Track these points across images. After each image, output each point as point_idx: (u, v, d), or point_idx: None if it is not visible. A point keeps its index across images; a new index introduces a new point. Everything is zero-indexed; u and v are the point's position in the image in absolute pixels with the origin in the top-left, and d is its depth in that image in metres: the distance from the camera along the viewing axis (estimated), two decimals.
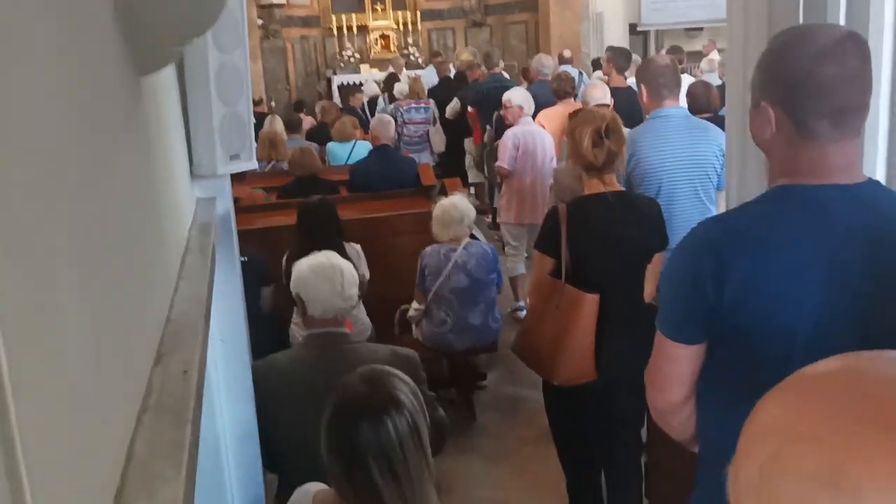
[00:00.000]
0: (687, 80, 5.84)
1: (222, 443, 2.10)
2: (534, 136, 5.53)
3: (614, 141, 2.64)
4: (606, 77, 6.38)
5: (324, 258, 2.42)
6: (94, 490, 0.62)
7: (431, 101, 8.67)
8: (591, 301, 2.56)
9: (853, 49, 1.46)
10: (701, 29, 13.75)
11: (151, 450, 0.72)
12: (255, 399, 2.21)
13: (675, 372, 1.64)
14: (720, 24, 13.55)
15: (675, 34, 13.51)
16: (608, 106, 4.32)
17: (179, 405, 0.82)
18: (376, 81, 11.18)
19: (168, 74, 1.68)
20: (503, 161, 5.49)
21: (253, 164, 1.99)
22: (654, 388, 1.69)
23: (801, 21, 1.91)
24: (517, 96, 5.65)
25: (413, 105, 8.37)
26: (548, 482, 3.57)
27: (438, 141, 8.38)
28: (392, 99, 9.59)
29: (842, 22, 1.85)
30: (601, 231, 2.64)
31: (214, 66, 1.82)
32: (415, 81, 8.96)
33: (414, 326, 4.20)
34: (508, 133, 5.57)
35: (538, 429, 4.13)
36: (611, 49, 6.91)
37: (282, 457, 2.32)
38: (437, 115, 8.53)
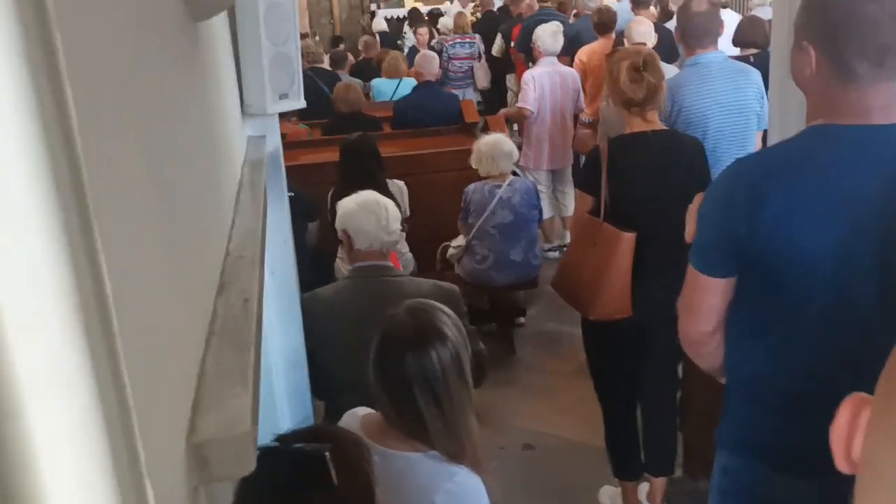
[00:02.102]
0: (733, 17, 5.69)
1: (273, 369, 2.22)
2: (553, 77, 5.31)
3: (652, 74, 2.62)
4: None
5: (369, 195, 2.50)
6: (175, 402, 0.71)
7: (477, 35, 8.57)
8: (627, 239, 2.59)
9: None
10: None
11: (219, 370, 0.80)
12: (304, 329, 2.32)
13: (704, 303, 1.71)
14: None
15: None
16: (651, 45, 4.24)
17: (242, 330, 0.90)
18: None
19: (220, 18, 1.74)
20: (526, 102, 5.31)
21: (301, 103, 2.05)
22: (685, 317, 1.77)
23: None
24: (541, 33, 5.38)
25: (458, 40, 8.29)
26: (583, 415, 3.66)
27: (482, 76, 8.31)
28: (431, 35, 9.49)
29: None
30: (641, 170, 2.65)
31: (263, 7, 1.87)
32: (458, 16, 8.87)
33: (456, 263, 4.28)
34: (526, 75, 5.41)
35: (575, 364, 4.22)
36: None
37: (329, 383, 2.44)
38: (482, 50, 8.44)
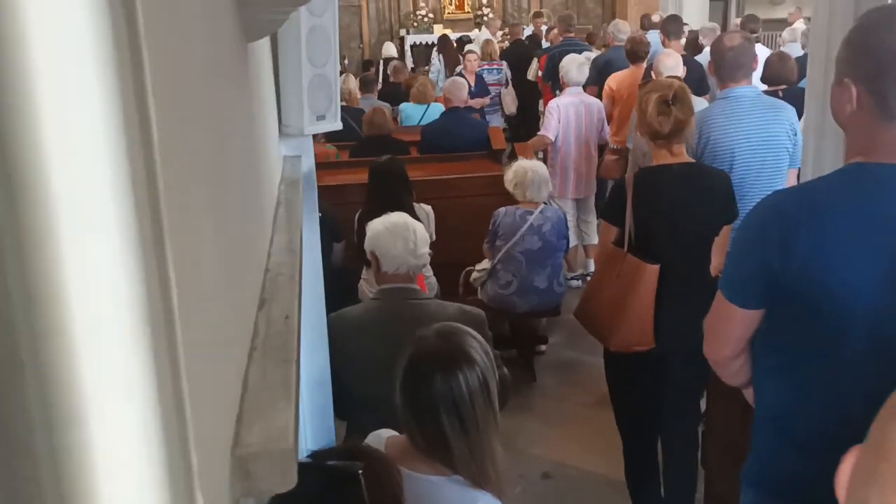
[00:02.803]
0: (763, 52, 5.69)
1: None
2: (579, 107, 5.41)
3: (681, 109, 2.63)
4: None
5: (398, 218, 2.51)
6: (222, 414, 0.72)
7: (504, 62, 8.65)
8: (651, 271, 2.59)
9: None
10: None
11: (263, 383, 0.82)
12: (329, 349, 2.34)
13: (728, 331, 1.72)
14: None
15: (758, 1, 13.08)
16: (680, 77, 4.25)
17: (284, 346, 0.91)
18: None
19: (264, 39, 1.77)
20: (547, 130, 5.43)
21: (338, 125, 2.08)
22: (710, 340, 1.80)
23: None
24: (567, 64, 5.51)
25: (486, 66, 8.37)
26: (602, 447, 3.64)
27: (510, 102, 8.38)
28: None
29: None
30: (666, 202, 2.65)
31: (305, 29, 1.90)
32: (486, 43, 8.96)
33: (479, 288, 4.28)
34: (552, 104, 5.53)
35: (595, 394, 4.20)
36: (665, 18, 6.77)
37: (352, 403, 2.45)
38: (508, 76, 8.52)
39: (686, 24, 7.22)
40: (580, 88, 5.50)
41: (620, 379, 2.89)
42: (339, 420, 2.61)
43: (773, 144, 3.27)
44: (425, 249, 2.50)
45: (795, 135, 3.27)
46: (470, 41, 11.27)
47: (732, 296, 1.68)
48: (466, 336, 1.71)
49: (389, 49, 11.22)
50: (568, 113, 5.39)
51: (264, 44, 1.81)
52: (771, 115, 3.28)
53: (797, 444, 1.68)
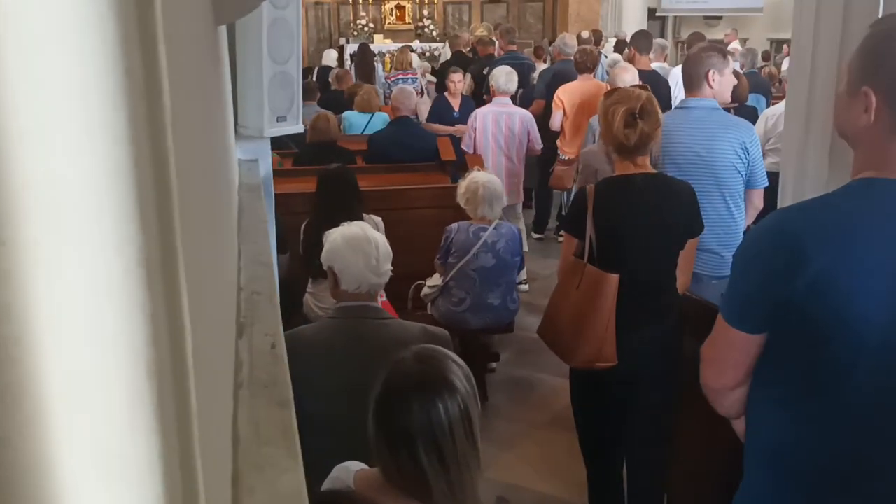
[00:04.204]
0: None
1: None
2: (500, 115, 5.50)
3: (648, 122, 2.55)
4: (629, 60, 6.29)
5: (359, 230, 2.33)
6: (211, 470, 0.55)
7: (417, 71, 8.60)
8: (611, 281, 2.49)
9: None
10: (720, 18, 13.61)
11: (258, 434, 0.65)
12: None
13: (731, 357, 1.62)
14: (739, 14, 13.42)
15: (694, 21, 13.38)
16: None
17: (276, 381, 0.75)
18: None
19: (221, 29, 1.60)
20: (463, 143, 5.59)
21: (299, 127, 1.91)
22: (708, 369, 1.69)
23: (880, 11, 1.83)
24: (496, 73, 5.64)
25: (400, 76, 8.28)
26: (559, 469, 3.53)
27: (425, 111, 8.30)
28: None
29: None
30: (628, 214, 2.56)
31: (267, 21, 1.73)
32: (401, 52, 8.89)
33: (430, 304, 4.14)
34: (474, 112, 5.66)
35: (549, 414, 4.09)
36: (636, 33, 6.82)
37: (303, 429, 2.26)
38: (423, 86, 8.47)
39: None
40: (508, 99, 5.59)
41: (585, 400, 2.78)
42: None
43: (714, 162, 3.19)
44: (388, 266, 2.34)
45: (747, 153, 3.22)
46: (415, 52, 11.17)
47: (734, 320, 1.57)
48: (448, 361, 1.56)
49: (330, 56, 10.95)
50: (487, 121, 5.47)
51: (221, 35, 1.64)
52: (718, 132, 3.23)
53: (797, 480, 1.58)
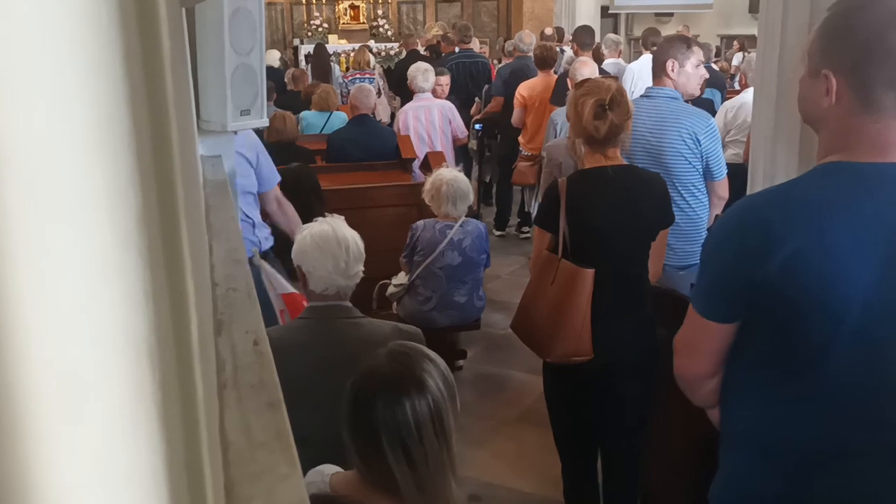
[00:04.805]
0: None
1: None
2: (419, 111, 5.71)
3: (618, 114, 2.52)
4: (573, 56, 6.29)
5: (329, 228, 2.26)
6: (201, 479, 0.50)
7: (375, 71, 8.55)
8: (586, 275, 2.47)
9: None
10: (671, 14, 13.79)
11: (249, 438, 0.60)
12: None
13: (704, 347, 1.61)
14: (690, 10, 13.61)
15: (646, 18, 13.52)
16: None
17: (262, 382, 0.69)
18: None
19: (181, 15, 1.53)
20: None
21: (264, 122, 1.85)
22: (682, 358, 1.67)
23: None
24: (413, 72, 5.83)
25: (357, 76, 8.22)
26: (530, 465, 3.51)
27: (381, 111, 8.25)
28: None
29: None
30: (601, 206, 2.54)
31: (229, 11, 1.66)
32: (359, 52, 8.82)
33: (395, 303, 4.08)
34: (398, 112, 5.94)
35: (519, 409, 4.07)
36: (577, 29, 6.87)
37: None
38: (381, 85, 8.40)
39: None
40: (429, 94, 5.82)
41: (560, 395, 2.75)
42: None
43: (661, 151, 3.18)
44: (359, 268, 2.27)
45: (698, 143, 3.20)
46: (372, 52, 11.08)
47: (706, 309, 1.56)
48: (423, 359, 1.52)
49: (273, 56, 10.71)
50: (408, 119, 5.70)
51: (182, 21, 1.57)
52: (671, 120, 3.21)
53: (775, 462, 1.57)
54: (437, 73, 6.27)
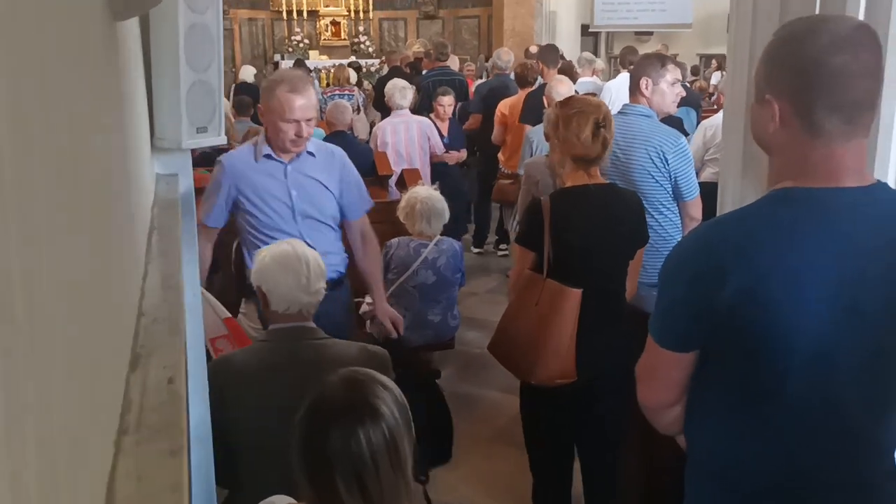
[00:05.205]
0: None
1: None
2: (398, 126, 5.72)
3: (609, 131, 2.53)
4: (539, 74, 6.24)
5: (288, 247, 2.22)
6: None
7: (355, 88, 8.55)
8: (573, 295, 2.44)
9: (867, 41, 1.36)
10: (651, 33, 13.90)
11: (138, 490, 0.55)
12: (210, 402, 2.01)
13: (664, 376, 1.58)
14: (669, 31, 13.72)
15: (626, 37, 13.61)
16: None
17: (169, 426, 0.64)
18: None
19: (133, 30, 1.48)
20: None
21: (222, 139, 1.80)
22: (644, 387, 1.64)
23: (817, 12, 1.81)
24: (391, 89, 5.84)
25: (337, 92, 8.21)
26: (506, 483, 3.45)
27: (361, 128, 8.23)
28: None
29: (861, 15, 1.76)
30: (584, 224, 2.52)
31: (185, 26, 1.62)
32: (339, 69, 8.82)
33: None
34: (374, 128, 5.94)
35: (493, 429, 4.02)
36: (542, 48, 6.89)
37: (240, 466, 2.12)
38: (360, 102, 8.40)
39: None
40: (406, 110, 5.79)
41: (539, 417, 2.70)
42: (220, 487, 2.26)
43: (632, 167, 3.16)
44: (321, 284, 2.22)
45: (666, 163, 3.18)
46: (360, 68, 11.10)
47: (663, 339, 1.52)
48: (376, 385, 1.46)
49: (248, 72, 10.69)
50: (385, 135, 5.70)
51: (134, 40, 1.52)
52: (640, 137, 3.19)
53: (737, 492, 1.53)
54: (441, 94, 6.14)
